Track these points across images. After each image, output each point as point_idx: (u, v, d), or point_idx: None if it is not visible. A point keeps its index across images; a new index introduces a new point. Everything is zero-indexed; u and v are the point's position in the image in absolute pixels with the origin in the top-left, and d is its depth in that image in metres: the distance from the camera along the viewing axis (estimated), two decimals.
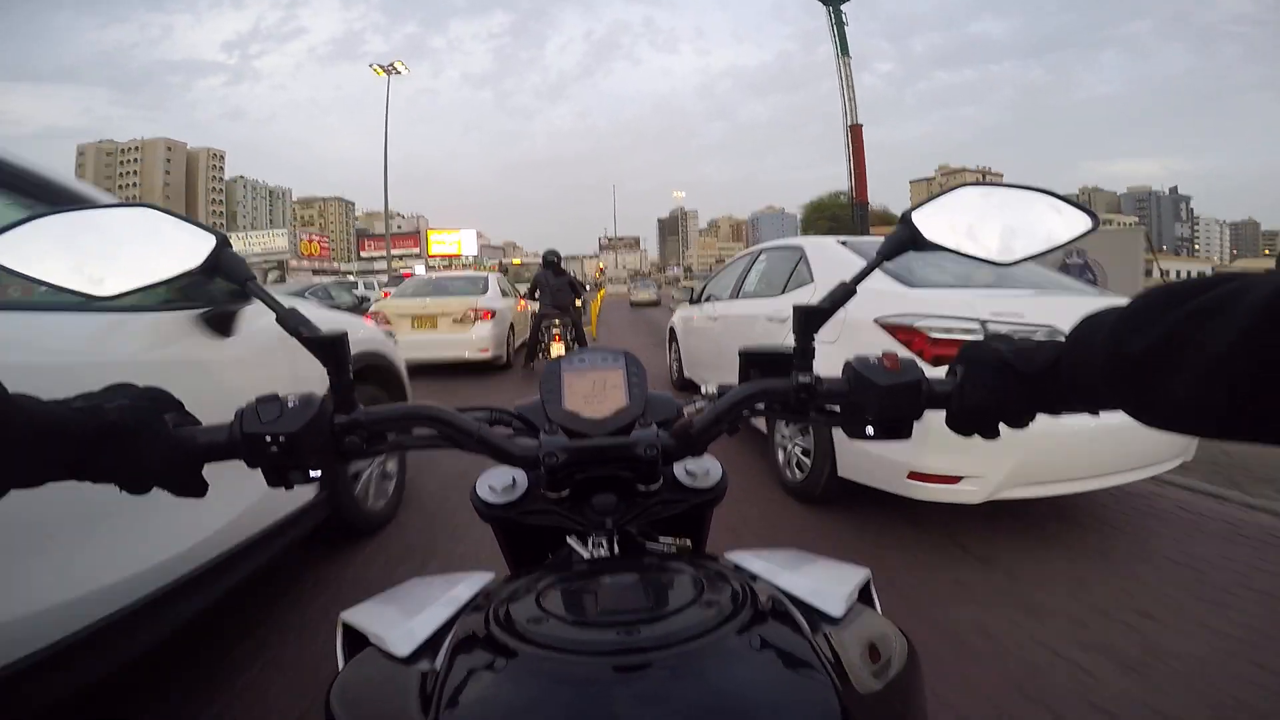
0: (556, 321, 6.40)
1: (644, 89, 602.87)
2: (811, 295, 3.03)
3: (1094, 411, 0.41)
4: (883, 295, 2.41)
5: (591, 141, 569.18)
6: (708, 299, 4.84)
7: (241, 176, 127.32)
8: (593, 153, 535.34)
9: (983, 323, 2.15)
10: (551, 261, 6.87)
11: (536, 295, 6.83)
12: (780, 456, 2.93)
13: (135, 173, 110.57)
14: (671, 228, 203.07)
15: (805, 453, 2.73)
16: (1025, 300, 2.39)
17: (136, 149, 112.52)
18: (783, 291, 3.40)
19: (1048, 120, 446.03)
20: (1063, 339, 0.41)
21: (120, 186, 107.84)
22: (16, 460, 0.38)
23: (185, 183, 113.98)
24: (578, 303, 6.96)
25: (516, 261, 20.69)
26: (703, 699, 0.34)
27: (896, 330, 2.26)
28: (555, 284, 6.71)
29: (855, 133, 33.58)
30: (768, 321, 3.32)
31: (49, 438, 0.39)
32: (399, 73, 30.92)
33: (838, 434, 2.23)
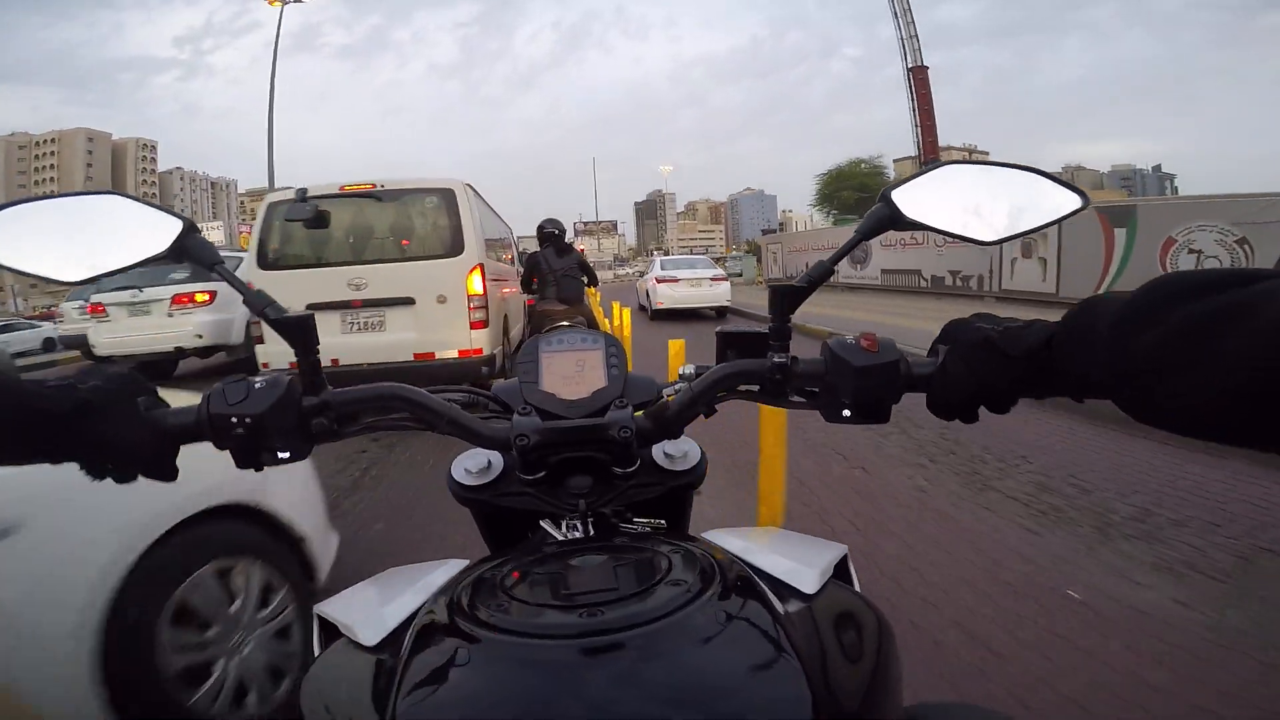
0: (564, 325, 3.90)
1: (615, 77, 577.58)
2: (648, 272, 13.25)
3: (1080, 399, 0.40)
4: (655, 265, 12.92)
5: (564, 130, 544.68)
6: (641, 275, 17.09)
7: (179, 168, 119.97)
8: (565, 141, 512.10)
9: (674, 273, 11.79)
10: (551, 234, 4.88)
11: (535, 286, 4.91)
12: None
13: (53, 166, 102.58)
14: (649, 211, 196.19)
15: None
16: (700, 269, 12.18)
17: (53, 140, 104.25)
18: (646, 273, 14.26)
19: (1014, 105, 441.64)
20: (1055, 320, 0.41)
21: (37, 182, 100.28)
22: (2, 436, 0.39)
23: (112, 176, 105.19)
24: (592, 295, 5.65)
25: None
26: (667, 679, 0.33)
27: (657, 279, 11.65)
28: (560, 266, 4.78)
29: (918, 76, 26.45)
30: (642, 279, 14.15)
31: (20, 415, 0.40)
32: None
33: None
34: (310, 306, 4.16)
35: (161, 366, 7.58)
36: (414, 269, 4.34)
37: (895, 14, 28.23)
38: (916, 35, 27.00)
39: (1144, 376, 0.32)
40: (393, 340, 4.25)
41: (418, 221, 4.55)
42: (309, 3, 24.13)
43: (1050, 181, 0.50)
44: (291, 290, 4.04)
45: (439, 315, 4.32)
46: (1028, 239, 10.46)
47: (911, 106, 27.48)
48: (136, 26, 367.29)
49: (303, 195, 4.10)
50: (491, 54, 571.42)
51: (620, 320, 6.64)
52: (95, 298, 7.12)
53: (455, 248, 4.40)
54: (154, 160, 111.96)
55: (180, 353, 7.14)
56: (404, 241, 4.49)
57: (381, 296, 4.24)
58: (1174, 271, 0.34)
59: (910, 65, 27.53)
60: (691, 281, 11.48)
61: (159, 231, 0.48)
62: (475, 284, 4.37)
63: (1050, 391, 0.41)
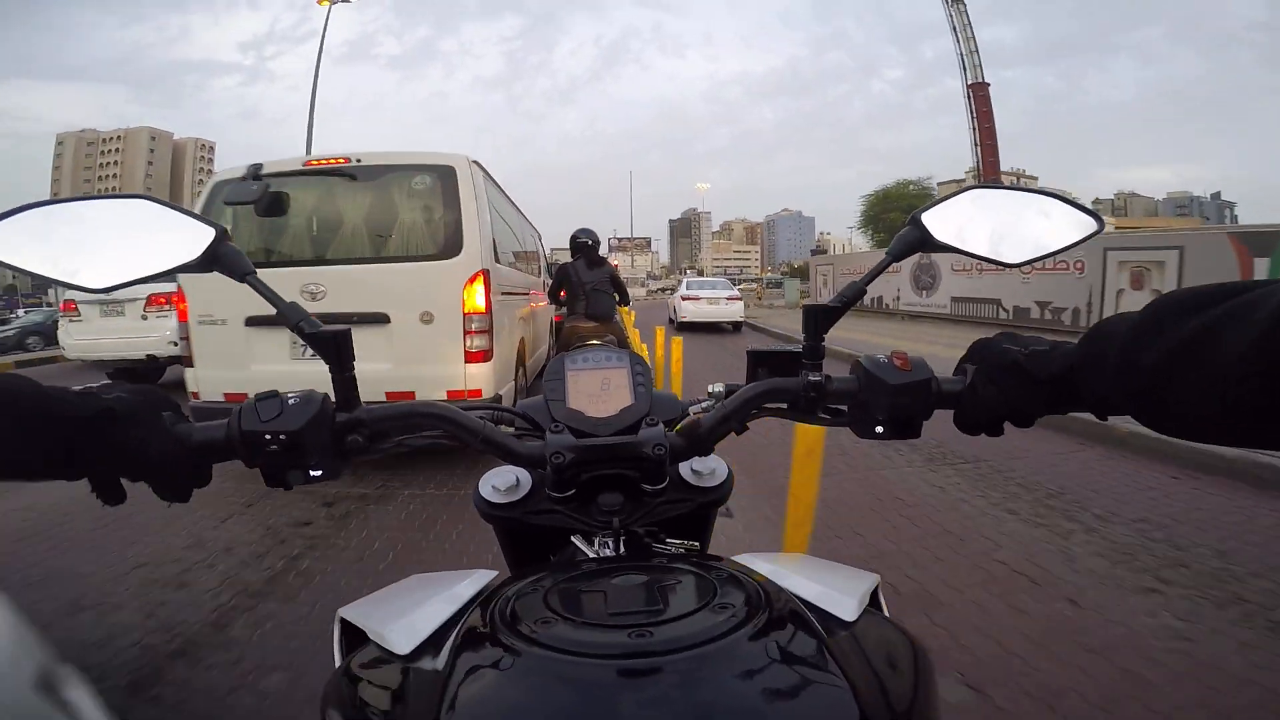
0: (592, 344, 2.77)
1: (652, 94, 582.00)
2: (677, 290, 16.04)
3: (1103, 416, 0.41)
4: (683, 286, 15.30)
5: (600, 146, 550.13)
6: (671, 291, 23.39)
7: (233, 169, 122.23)
8: (601, 157, 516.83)
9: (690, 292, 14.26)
10: (584, 244, 4.46)
11: (563, 299, 4.50)
12: None
13: (116, 163, 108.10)
14: (683, 230, 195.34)
15: None
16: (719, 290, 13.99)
17: (119, 138, 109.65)
18: (675, 291, 17.35)
19: (1061, 127, 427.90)
20: (1074, 344, 0.42)
21: (101, 178, 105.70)
22: (6, 442, 0.37)
23: (170, 174, 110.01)
24: (625, 314, 5.21)
25: None
26: (718, 705, 0.33)
27: (682, 296, 14.25)
28: (591, 279, 4.37)
29: (978, 93, 24.96)
30: (671, 296, 17.41)
31: (43, 418, 0.38)
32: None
33: None
34: (249, 321, 3.10)
35: (138, 374, 6.73)
36: (392, 274, 3.18)
37: (954, 29, 27.00)
38: (977, 50, 25.63)
39: (1154, 391, 0.33)
40: (357, 373, 3.10)
41: (403, 209, 3.29)
42: (360, 12, 24.07)
43: (1069, 206, 0.53)
44: (225, 297, 3.01)
45: (423, 340, 3.16)
46: (1140, 267, 9.18)
47: (971, 125, 25.99)
48: (202, 30, 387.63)
49: (255, 171, 3.07)
50: (533, 68, 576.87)
51: (665, 350, 5.26)
52: (68, 294, 6.36)
53: (451, 246, 3.20)
54: (211, 160, 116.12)
55: (153, 360, 6.28)
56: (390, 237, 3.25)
57: (345, 311, 3.09)
58: (1177, 289, 0.35)
59: (970, 82, 26.02)
60: (711, 300, 13.69)
61: (191, 239, 0.47)
62: (476, 298, 3.21)
63: (1073, 409, 0.43)
